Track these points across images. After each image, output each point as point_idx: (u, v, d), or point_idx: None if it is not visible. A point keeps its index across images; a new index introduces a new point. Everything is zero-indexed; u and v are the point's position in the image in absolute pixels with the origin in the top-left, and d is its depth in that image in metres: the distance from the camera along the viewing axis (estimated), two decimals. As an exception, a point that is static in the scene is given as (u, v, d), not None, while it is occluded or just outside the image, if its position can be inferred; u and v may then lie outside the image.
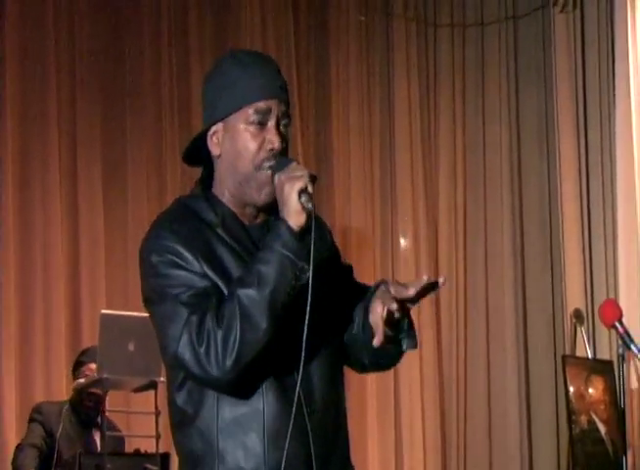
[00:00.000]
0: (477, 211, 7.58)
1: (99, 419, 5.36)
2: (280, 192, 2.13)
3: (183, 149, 2.32)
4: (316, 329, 2.13)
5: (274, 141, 2.21)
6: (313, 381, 2.18)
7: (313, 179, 2.13)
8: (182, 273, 2.13)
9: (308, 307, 2.07)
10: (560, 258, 7.08)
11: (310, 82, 7.40)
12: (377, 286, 2.24)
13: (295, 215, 2.10)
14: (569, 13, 7.18)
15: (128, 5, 6.70)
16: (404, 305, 2.16)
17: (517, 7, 7.64)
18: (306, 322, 2.06)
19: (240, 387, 2.13)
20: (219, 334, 2.06)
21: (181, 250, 2.15)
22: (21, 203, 6.18)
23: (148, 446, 5.18)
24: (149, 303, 2.19)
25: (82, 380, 5.25)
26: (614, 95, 6.85)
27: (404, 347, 2.23)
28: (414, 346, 2.22)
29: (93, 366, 5.27)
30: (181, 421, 2.20)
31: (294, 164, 2.17)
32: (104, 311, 5.27)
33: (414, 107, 7.60)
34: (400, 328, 2.22)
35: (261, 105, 2.21)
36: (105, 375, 5.00)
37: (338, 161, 7.37)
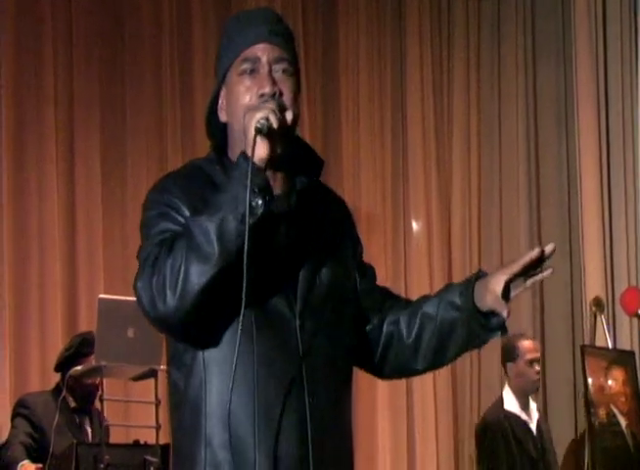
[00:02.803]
0: (491, 194, 7.56)
1: (91, 407, 5.39)
2: (243, 126, 2.09)
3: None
4: (321, 299, 2.15)
5: (264, 85, 2.16)
6: (317, 366, 2.14)
7: (282, 110, 2.09)
8: (171, 225, 2.11)
9: (246, 246, 2.00)
10: (579, 244, 7.06)
11: (318, 58, 7.39)
12: (472, 277, 2.25)
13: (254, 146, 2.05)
14: (589, -17, 7.14)
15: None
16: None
17: (534, -23, 7.62)
18: (245, 260, 2.00)
19: (206, 333, 2.08)
20: (168, 263, 2.02)
21: (180, 205, 2.14)
22: (15, 185, 6.19)
23: (147, 437, 5.17)
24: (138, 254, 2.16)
25: (79, 367, 5.25)
26: (636, 67, 6.84)
27: (492, 334, 2.22)
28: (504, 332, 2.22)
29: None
30: (175, 400, 2.17)
31: (272, 101, 2.12)
32: (102, 296, 5.27)
33: (427, 84, 7.58)
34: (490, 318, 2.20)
35: (248, 52, 2.19)
36: (103, 363, 4.99)
37: (346, 136, 7.37)
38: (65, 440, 5.15)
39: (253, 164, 2.03)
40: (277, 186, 2.17)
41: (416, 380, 7.21)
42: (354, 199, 7.18)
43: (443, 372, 7.23)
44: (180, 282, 2.00)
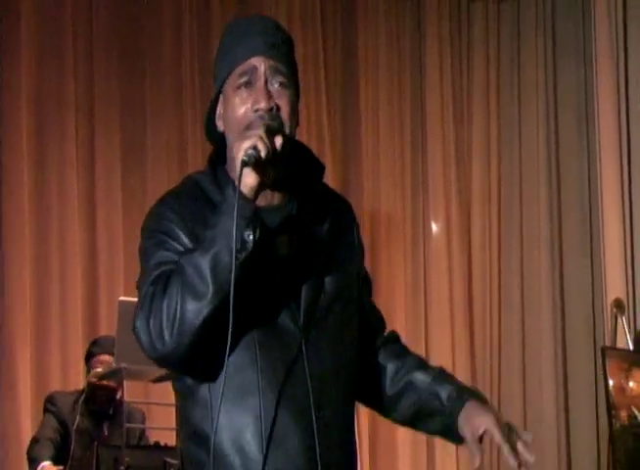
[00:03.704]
0: (511, 195, 7.56)
1: (111, 411, 5.42)
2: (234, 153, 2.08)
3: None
4: (321, 319, 2.14)
5: (259, 100, 2.14)
6: (323, 379, 2.14)
7: (272, 133, 2.06)
8: (169, 254, 2.10)
9: (233, 272, 2.00)
10: (599, 244, 7.04)
11: (337, 63, 7.41)
12: (464, 394, 2.26)
13: (243, 177, 2.03)
14: (609, -18, 7.13)
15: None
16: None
17: (554, -22, 7.61)
18: (232, 290, 2.00)
19: (205, 366, 2.08)
20: (164, 304, 2.02)
21: (178, 232, 2.12)
22: (36, 186, 6.23)
23: (167, 439, 5.20)
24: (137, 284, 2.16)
25: (100, 369, 5.29)
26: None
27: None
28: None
29: (103, 358, 5.31)
30: (183, 414, 2.17)
31: (261, 126, 2.09)
32: (122, 298, 5.28)
33: (446, 86, 7.58)
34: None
35: (245, 65, 2.16)
36: (123, 365, 5.02)
37: (366, 140, 7.37)
38: (83, 442, 5.19)
39: (240, 195, 2.01)
40: (276, 198, 2.19)
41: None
42: (374, 204, 7.19)
43: (462, 371, 7.23)
44: (177, 323, 2.01)
